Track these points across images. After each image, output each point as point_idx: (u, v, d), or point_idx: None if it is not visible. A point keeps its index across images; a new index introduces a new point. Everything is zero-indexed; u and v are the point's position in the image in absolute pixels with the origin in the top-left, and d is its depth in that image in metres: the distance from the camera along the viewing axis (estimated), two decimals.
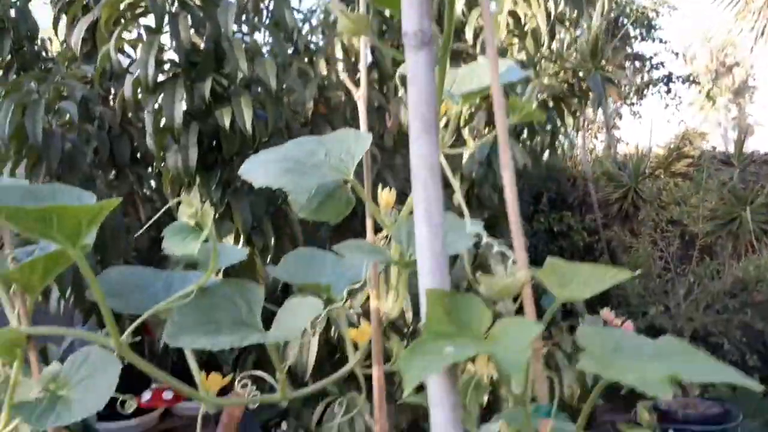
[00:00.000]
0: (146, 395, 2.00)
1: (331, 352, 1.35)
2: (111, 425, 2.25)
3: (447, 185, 0.49)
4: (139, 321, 0.62)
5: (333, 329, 1.29)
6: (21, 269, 0.57)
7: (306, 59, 1.77)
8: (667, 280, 3.66)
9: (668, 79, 6.23)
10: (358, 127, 0.66)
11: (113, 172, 1.56)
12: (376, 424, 0.65)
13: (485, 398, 0.64)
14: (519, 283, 0.45)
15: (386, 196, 0.60)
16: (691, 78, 6.77)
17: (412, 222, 0.62)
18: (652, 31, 6.35)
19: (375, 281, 0.65)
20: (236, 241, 1.21)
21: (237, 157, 1.23)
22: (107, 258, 1.46)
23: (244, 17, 1.59)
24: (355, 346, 0.73)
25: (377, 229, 0.66)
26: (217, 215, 1.22)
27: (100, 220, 0.52)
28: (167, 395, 1.98)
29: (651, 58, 6.33)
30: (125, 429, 2.31)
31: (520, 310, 0.47)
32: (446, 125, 0.68)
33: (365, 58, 0.70)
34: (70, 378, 0.56)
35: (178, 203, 1.30)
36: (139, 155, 1.57)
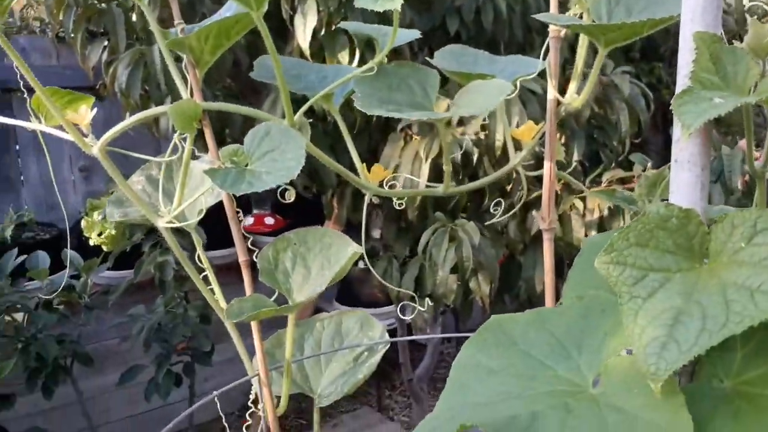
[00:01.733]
0: (249, 219, 2.08)
1: (438, 179, 1.34)
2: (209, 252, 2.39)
3: None
4: (312, 100, 0.60)
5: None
6: (196, 35, 0.54)
7: None
8: None
9: None
10: None
11: None
12: (542, 221, 0.63)
13: None
14: None
15: None
16: None
17: None
18: None
19: (555, 68, 0.59)
20: (351, 58, 1.16)
21: None
22: (210, 80, 1.45)
23: None
24: (516, 147, 0.70)
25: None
26: (333, 27, 1.16)
27: None
28: (269, 221, 2.06)
29: None
30: (219, 257, 2.46)
31: None
32: None
33: None
34: (252, 153, 0.55)
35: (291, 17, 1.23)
36: None
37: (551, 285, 0.63)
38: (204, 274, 0.66)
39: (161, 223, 0.62)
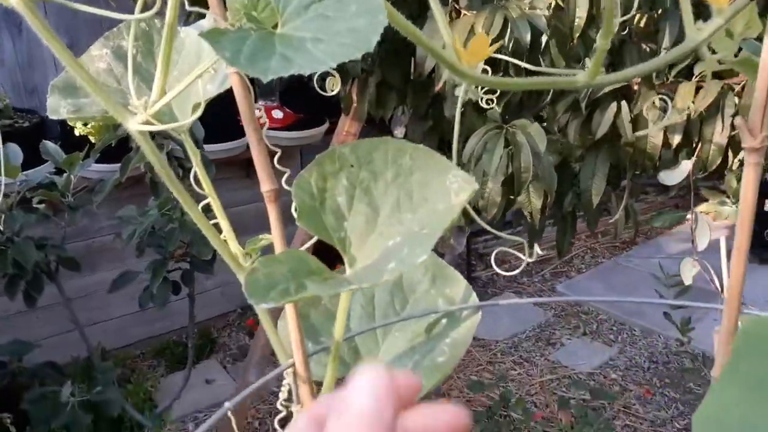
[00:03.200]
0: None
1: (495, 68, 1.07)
2: (208, 147, 2.14)
3: None
4: None
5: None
6: None
7: None
8: None
9: None
10: None
11: None
12: (748, 136, 0.39)
13: None
14: None
15: None
16: None
17: None
18: None
19: None
20: None
21: None
22: None
23: None
24: None
25: None
26: None
27: None
28: (277, 114, 1.80)
29: None
30: (222, 152, 2.22)
31: None
32: None
33: None
34: (284, 5, 0.31)
35: None
36: None
37: (747, 228, 0.41)
38: (214, 221, 0.43)
39: (133, 125, 0.38)
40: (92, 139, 1.89)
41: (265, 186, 0.36)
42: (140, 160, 1.41)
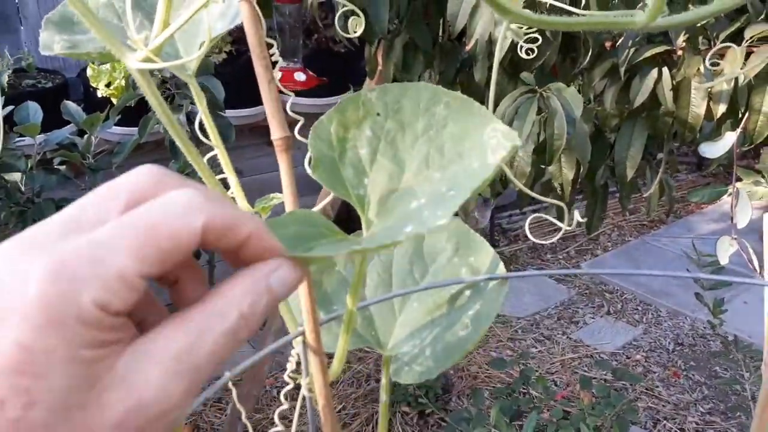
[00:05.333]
0: (274, 74, 1.78)
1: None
2: (230, 112, 2.10)
3: None
4: None
5: None
6: None
7: None
8: None
9: None
10: None
11: None
12: None
13: None
14: None
15: None
16: None
17: None
18: None
19: None
20: None
21: None
22: None
23: None
24: None
25: None
26: None
27: None
28: (299, 76, 1.75)
29: None
30: (244, 117, 2.18)
31: None
32: None
33: None
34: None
35: None
36: None
37: None
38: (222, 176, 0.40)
39: (132, 63, 0.34)
40: (114, 101, 1.86)
41: (276, 134, 0.32)
42: (158, 121, 1.38)
